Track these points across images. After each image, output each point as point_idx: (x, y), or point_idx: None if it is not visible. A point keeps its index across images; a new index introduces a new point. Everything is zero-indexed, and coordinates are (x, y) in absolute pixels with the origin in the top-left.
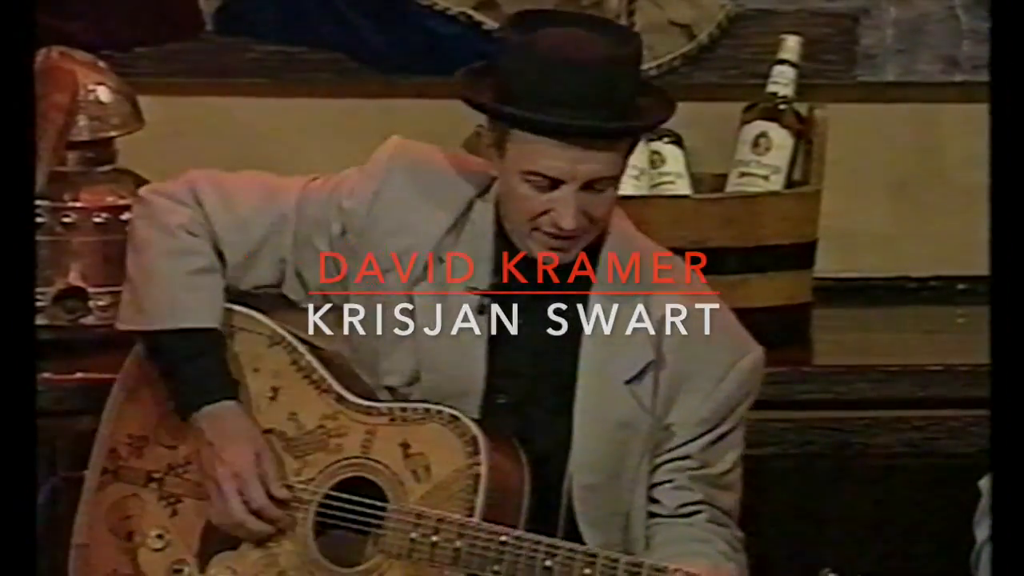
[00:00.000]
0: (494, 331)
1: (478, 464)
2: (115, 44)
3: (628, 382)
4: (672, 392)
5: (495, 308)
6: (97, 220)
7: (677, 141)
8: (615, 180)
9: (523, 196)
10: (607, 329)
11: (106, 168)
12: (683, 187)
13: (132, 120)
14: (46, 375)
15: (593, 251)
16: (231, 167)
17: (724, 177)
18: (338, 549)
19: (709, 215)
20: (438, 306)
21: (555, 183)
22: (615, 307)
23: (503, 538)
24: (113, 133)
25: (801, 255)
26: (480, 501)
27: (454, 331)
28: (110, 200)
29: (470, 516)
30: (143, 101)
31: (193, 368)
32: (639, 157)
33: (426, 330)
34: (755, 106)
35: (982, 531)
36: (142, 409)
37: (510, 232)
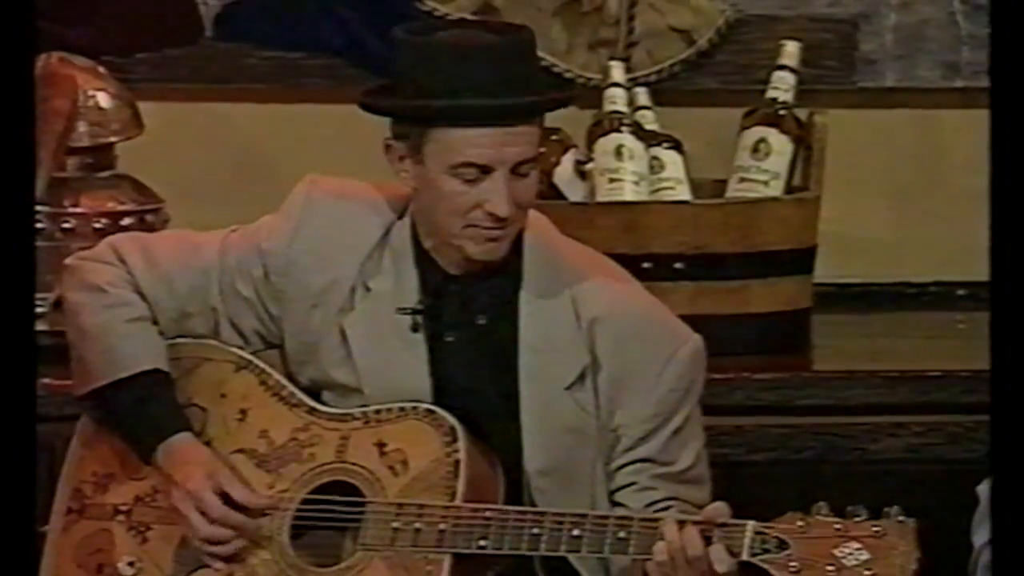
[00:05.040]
0: (431, 349)
1: (457, 451)
2: (115, 50)
3: (568, 388)
4: (613, 394)
5: (429, 325)
6: (97, 226)
7: (677, 147)
8: (535, 162)
9: (453, 193)
10: (540, 337)
11: (106, 174)
12: (683, 193)
13: (132, 126)
14: (46, 381)
15: (515, 258)
16: (230, 173)
17: (724, 183)
18: (318, 551)
19: (709, 221)
20: (372, 333)
21: (485, 170)
22: (545, 314)
23: (487, 513)
24: (113, 139)
25: (801, 261)
26: (461, 486)
27: (392, 354)
28: (110, 206)
29: (451, 501)
30: (143, 107)
31: (143, 411)
32: (639, 163)
33: (364, 357)
34: (755, 112)
35: (980, 536)
36: (103, 451)
37: (431, 240)
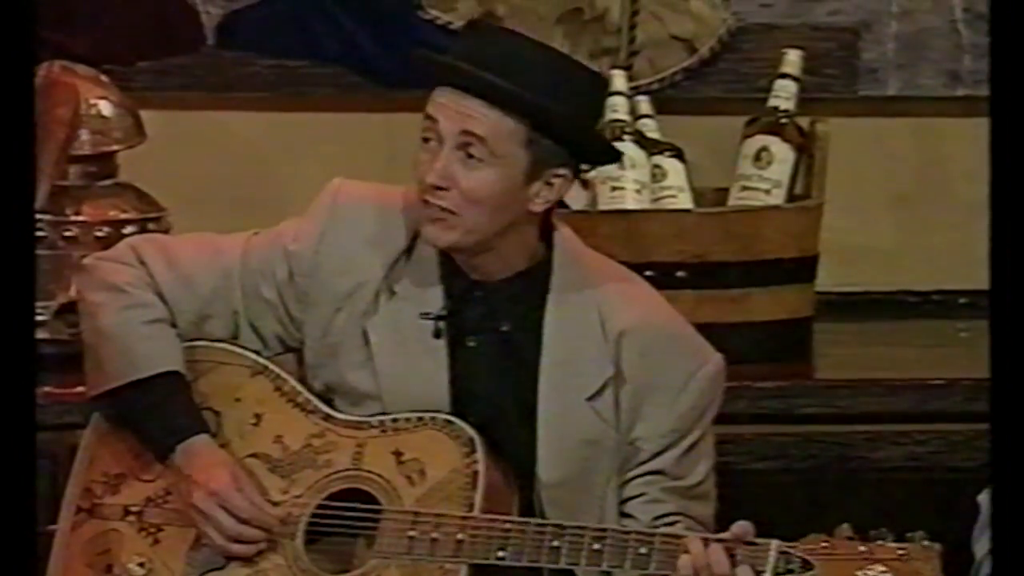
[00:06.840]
0: (452, 355)
1: (476, 462)
2: (117, 58)
3: (589, 399)
4: (634, 406)
5: (451, 330)
6: (98, 234)
7: (679, 155)
8: (494, 157)
9: (417, 164)
10: (564, 347)
11: (108, 182)
12: (685, 201)
13: (134, 134)
14: (47, 389)
15: (544, 269)
16: (232, 181)
17: (726, 191)
18: (332, 558)
19: (711, 229)
20: (394, 337)
21: (438, 136)
22: (571, 324)
23: (506, 524)
24: (115, 147)
25: (802, 269)
26: (479, 497)
27: (413, 359)
28: (112, 214)
29: (468, 512)
30: (145, 115)
31: (161, 412)
32: (641, 171)
33: (384, 361)
34: (757, 120)
35: (981, 546)
36: (116, 450)
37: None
